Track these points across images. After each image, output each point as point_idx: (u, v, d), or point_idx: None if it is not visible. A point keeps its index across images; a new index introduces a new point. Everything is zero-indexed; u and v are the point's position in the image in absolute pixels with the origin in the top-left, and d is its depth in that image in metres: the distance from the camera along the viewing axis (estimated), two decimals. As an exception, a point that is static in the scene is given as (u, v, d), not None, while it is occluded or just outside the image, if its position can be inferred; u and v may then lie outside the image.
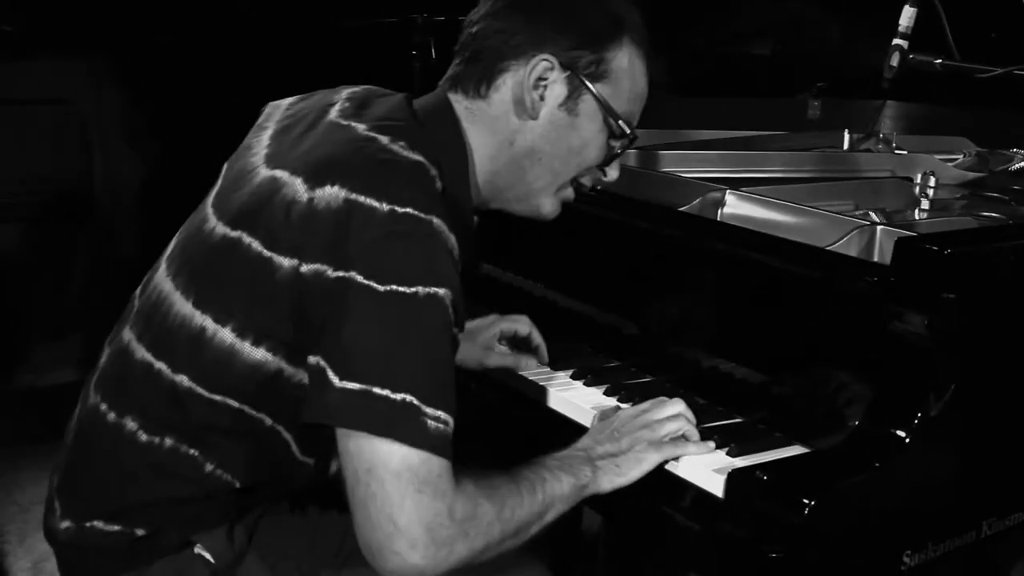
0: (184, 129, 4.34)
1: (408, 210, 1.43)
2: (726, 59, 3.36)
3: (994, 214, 2.38)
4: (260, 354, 1.52)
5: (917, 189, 2.48)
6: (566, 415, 1.90)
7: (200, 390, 1.55)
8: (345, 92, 1.70)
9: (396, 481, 1.39)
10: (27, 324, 4.21)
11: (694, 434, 1.68)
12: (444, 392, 1.44)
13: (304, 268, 1.45)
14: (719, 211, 2.14)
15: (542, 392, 1.95)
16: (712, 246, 1.91)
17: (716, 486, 1.60)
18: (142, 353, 1.61)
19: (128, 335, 1.65)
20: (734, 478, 1.57)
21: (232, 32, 4.31)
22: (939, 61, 1.92)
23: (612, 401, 1.87)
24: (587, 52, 1.64)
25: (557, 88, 1.64)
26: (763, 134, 3.05)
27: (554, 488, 1.56)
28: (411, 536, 1.39)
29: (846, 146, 3.14)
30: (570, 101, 1.65)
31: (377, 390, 1.39)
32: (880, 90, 2.33)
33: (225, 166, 1.73)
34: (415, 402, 1.40)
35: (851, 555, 1.55)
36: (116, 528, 1.59)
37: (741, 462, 1.63)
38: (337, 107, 1.64)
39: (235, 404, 1.56)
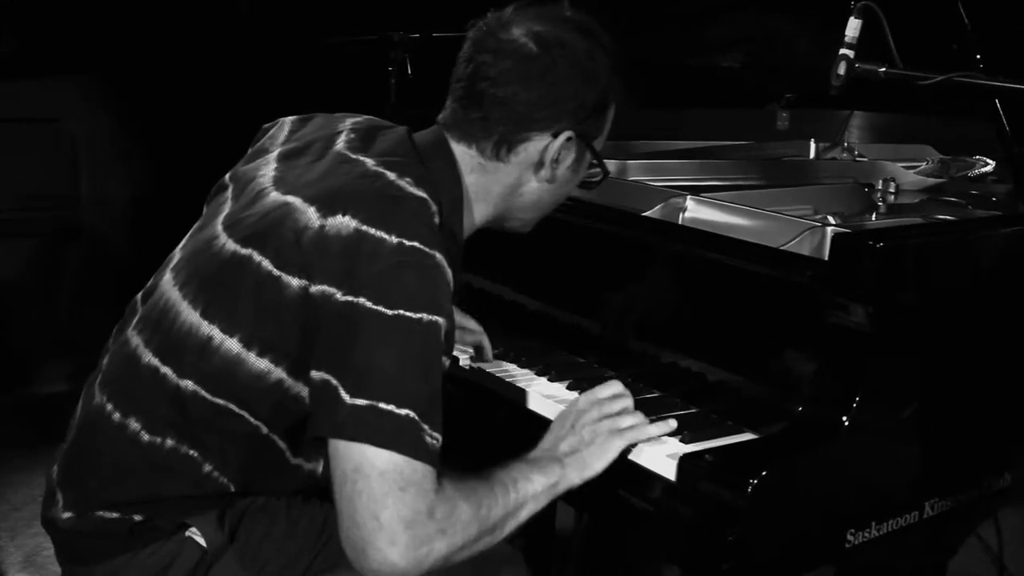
0: (172, 148, 4.42)
1: (415, 244, 1.54)
2: (696, 71, 3.44)
3: (949, 217, 2.47)
4: (264, 364, 1.62)
5: (877, 195, 2.58)
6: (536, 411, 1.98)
7: (204, 394, 1.64)
8: (349, 122, 1.80)
9: (381, 479, 1.47)
10: (19, 337, 4.27)
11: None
12: (438, 412, 1.54)
13: (313, 289, 1.55)
14: (680, 215, 2.23)
15: (509, 387, 2.04)
16: (666, 247, 2.01)
17: (669, 470, 1.69)
18: (149, 358, 1.69)
19: (135, 340, 1.73)
20: (685, 462, 1.66)
21: (219, 52, 4.39)
22: (883, 69, 2.01)
23: (575, 395, 1.95)
24: (596, 118, 1.76)
25: (569, 153, 1.76)
26: (731, 144, 3.14)
27: (527, 488, 1.65)
28: (392, 532, 1.46)
29: (812, 155, 3.24)
30: (576, 162, 1.78)
31: (383, 405, 1.48)
32: (847, 100, 2.40)
33: (229, 183, 1.82)
34: (415, 418, 1.50)
35: (796, 534, 1.65)
36: (115, 515, 1.68)
37: (693, 448, 1.72)
38: (343, 138, 1.74)
39: (236, 409, 1.65)
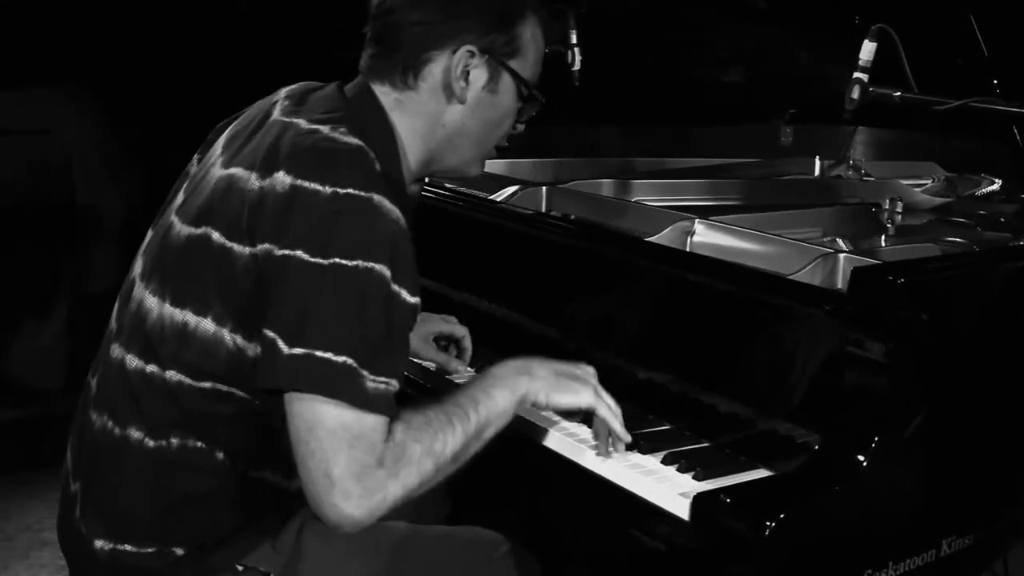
0: (165, 158, 4.37)
1: (349, 190, 1.55)
2: (699, 87, 3.41)
3: (958, 239, 2.43)
4: (240, 341, 1.61)
5: (885, 215, 2.54)
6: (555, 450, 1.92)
7: (189, 381, 1.64)
8: (284, 92, 1.82)
9: (331, 438, 1.50)
10: (10, 352, 4.22)
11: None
12: (385, 355, 1.54)
13: (255, 249, 1.57)
14: (689, 239, 2.19)
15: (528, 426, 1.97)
16: (677, 275, 1.96)
17: (682, 509, 1.64)
18: (135, 362, 1.69)
19: (117, 351, 1.73)
20: (699, 501, 1.61)
21: (213, 60, 4.35)
22: (898, 94, 1.97)
23: (586, 428, 1.90)
24: (501, 34, 1.75)
25: (480, 72, 1.74)
26: (736, 161, 3.11)
27: (488, 408, 1.66)
28: (344, 488, 1.50)
29: (817, 172, 3.20)
30: (491, 82, 1.76)
31: (320, 354, 1.50)
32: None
33: (182, 183, 1.83)
34: (354, 365, 1.50)
35: (812, 574, 1.60)
36: (151, 550, 1.67)
37: (706, 486, 1.67)
38: (279, 107, 1.76)
39: (224, 388, 1.64)
